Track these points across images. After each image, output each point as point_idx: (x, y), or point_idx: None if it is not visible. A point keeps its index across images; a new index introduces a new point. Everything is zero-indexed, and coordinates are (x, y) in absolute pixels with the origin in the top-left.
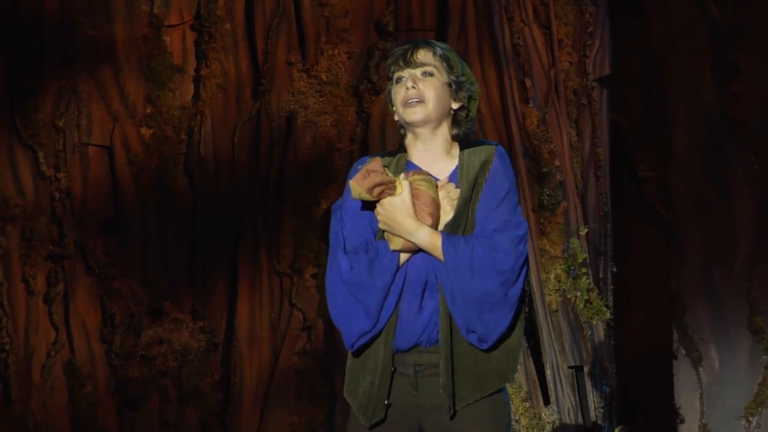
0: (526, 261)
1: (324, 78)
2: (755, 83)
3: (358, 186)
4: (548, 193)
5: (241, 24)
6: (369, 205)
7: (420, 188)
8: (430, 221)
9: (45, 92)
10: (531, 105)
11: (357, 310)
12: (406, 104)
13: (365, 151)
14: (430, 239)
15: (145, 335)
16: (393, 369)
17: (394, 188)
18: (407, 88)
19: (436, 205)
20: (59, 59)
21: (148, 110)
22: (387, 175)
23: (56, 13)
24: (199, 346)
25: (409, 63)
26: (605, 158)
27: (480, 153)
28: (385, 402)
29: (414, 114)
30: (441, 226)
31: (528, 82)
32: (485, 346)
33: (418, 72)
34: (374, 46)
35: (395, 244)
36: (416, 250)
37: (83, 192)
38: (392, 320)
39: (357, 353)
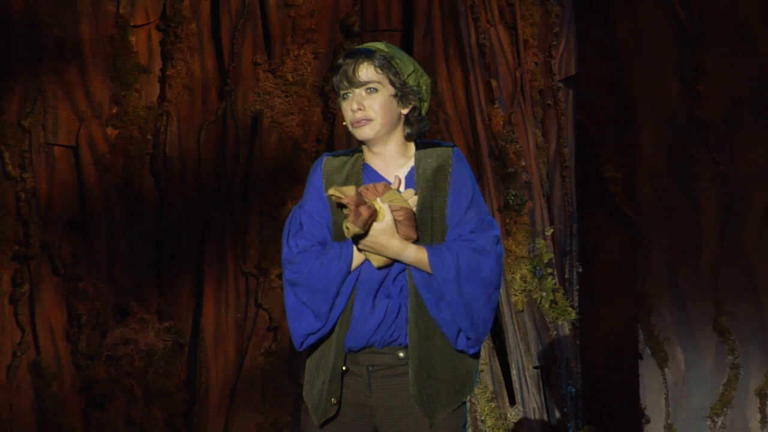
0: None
1: (290, 78)
2: (721, 84)
3: (353, 227)
4: (514, 193)
5: (206, 24)
6: (341, 208)
7: (395, 204)
8: (414, 233)
9: (11, 92)
10: (497, 105)
11: (305, 310)
12: (354, 125)
13: (331, 151)
14: (416, 255)
15: (111, 335)
16: (344, 369)
17: (377, 214)
18: (353, 111)
19: (413, 215)
20: (25, 59)
21: (114, 110)
22: (370, 204)
23: (22, 13)
24: (165, 346)
25: (352, 82)
26: (571, 158)
27: (435, 155)
28: (333, 401)
29: (363, 132)
30: None
31: (494, 83)
32: (474, 350)
33: (362, 90)
34: (340, 46)
35: (378, 261)
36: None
37: (49, 192)
38: (344, 320)
39: (311, 353)
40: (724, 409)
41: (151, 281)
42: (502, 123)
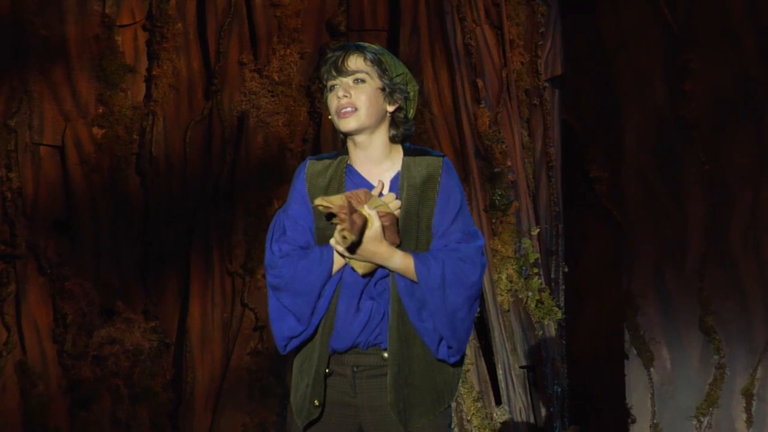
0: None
1: (276, 78)
2: (706, 83)
3: (350, 235)
4: (500, 193)
5: (192, 24)
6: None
7: (381, 210)
8: (398, 239)
9: None
10: (483, 105)
11: (287, 314)
12: (340, 114)
13: (317, 151)
14: (403, 262)
15: (97, 335)
16: (328, 371)
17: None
18: (339, 98)
19: (396, 219)
20: (11, 59)
21: (100, 110)
22: (362, 211)
23: (8, 13)
24: (151, 346)
25: (340, 71)
26: (557, 158)
27: (426, 164)
28: (315, 403)
29: (347, 124)
30: None
31: (480, 83)
32: (455, 359)
33: (349, 80)
34: (326, 46)
35: (363, 268)
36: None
37: (35, 192)
38: (327, 322)
39: (296, 356)
40: (710, 409)
41: (137, 281)
42: (488, 123)
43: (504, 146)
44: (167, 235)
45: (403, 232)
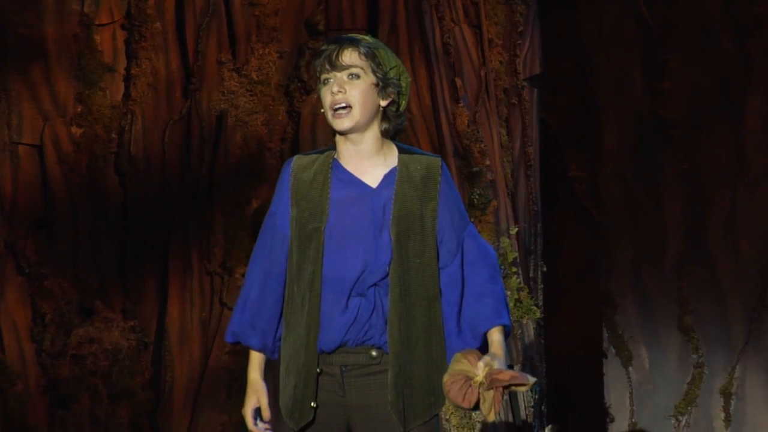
0: None
1: (254, 77)
2: (685, 83)
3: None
4: (478, 192)
5: (171, 23)
6: None
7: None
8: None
9: None
10: (461, 104)
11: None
12: (334, 111)
13: (296, 150)
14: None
15: (76, 334)
16: (318, 371)
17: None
18: (333, 93)
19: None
20: None
21: (79, 109)
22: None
23: None
24: (130, 345)
25: (334, 65)
26: (535, 157)
27: (425, 164)
28: (312, 405)
29: (342, 123)
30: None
31: (458, 82)
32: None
33: (344, 75)
34: (305, 45)
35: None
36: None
37: (13, 191)
38: (314, 321)
39: (281, 356)
40: (689, 408)
41: (116, 280)
42: (466, 122)
43: (483, 145)
44: (146, 235)
45: (407, 232)
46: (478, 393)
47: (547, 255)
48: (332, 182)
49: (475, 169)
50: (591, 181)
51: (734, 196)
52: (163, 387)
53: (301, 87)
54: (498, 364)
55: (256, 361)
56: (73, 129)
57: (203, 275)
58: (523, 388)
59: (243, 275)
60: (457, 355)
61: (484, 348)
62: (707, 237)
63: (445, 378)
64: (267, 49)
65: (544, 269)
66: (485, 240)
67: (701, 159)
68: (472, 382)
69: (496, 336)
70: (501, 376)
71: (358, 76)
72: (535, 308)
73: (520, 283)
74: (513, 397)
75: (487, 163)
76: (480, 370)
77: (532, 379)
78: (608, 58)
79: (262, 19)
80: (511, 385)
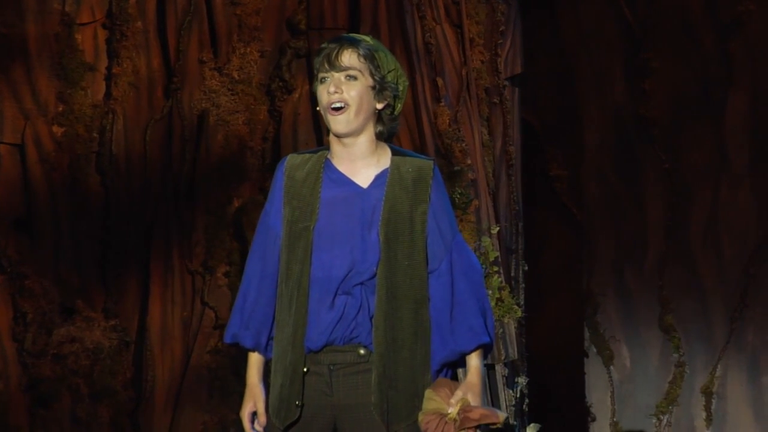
0: None
1: (236, 76)
2: (666, 82)
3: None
4: (460, 191)
5: (152, 22)
6: None
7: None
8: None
9: None
10: (443, 104)
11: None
12: (329, 111)
13: (277, 149)
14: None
15: (57, 334)
16: (305, 370)
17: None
18: (329, 92)
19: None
20: None
21: (60, 108)
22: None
23: None
24: (111, 344)
25: (333, 66)
26: (517, 157)
27: (416, 166)
28: (297, 403)
29: (338, 125)
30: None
31: (440, 81)
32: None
33: (341, 75)
34: (286, 44)
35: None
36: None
37: None
38: (300, 320)
39: (272, 357)
40: (670, 407)
41: (97, 279)
42: (448, 121)
43: (464, 145)
44: (127, 234)
45: (396, 233)
46: (454, 429)
47: (528, 254)
48: (323, 182)
49: (456, 168)
50: (572, 180)
51: (715, 196)
52: (144, 386)
53: (282, 86)
54: (471, 396)
55: (254, 363)
56: (55, 128)
57: (185, 274)
58: (493, 426)
59: (224, 274)
60: (428, 392)
61: (463, 361)
62: (688, 236)
63: (420, 417)
64: (248, 49)
65: (526, 268)
66: (470, 249)
67: (682, 158)
68: (446, 418)
69: (473, 361)
70: (471, 415)
71: (355, 78)
72: (516, 307)
73: (501, 282)
74: (495, 397)
75: (469, 162)
76: (452, 407)
77: (502, 416)
78: (589, 58)
79: (243, 18)
80: (481, 424)
